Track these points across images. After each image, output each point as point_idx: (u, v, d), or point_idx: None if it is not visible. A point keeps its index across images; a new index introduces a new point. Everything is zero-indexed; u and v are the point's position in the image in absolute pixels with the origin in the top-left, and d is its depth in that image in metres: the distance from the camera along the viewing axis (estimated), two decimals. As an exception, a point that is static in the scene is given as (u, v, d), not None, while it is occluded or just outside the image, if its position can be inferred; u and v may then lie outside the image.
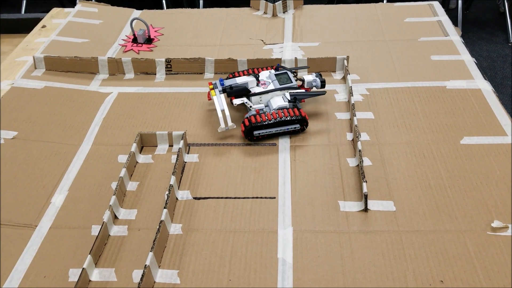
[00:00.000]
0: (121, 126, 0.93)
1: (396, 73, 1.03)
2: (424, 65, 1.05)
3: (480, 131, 0.85)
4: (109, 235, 0.71)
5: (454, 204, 0.72)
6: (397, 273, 0.63)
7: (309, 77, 0.91)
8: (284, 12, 1.30)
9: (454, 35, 1.15)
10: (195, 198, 0.77)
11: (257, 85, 0.90)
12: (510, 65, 2.34)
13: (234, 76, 0.96)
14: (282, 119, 0.84)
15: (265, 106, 0.89)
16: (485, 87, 0.96)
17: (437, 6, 1.28)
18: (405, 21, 1.22)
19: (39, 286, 0.64)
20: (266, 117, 0.85)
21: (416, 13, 1.25)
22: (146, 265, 0.62)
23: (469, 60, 1.05)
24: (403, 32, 1.18)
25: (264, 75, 0.93)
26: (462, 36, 1.17)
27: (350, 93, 0.93)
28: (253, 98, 0.89)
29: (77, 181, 0.81)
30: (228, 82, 0.89)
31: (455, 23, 1.18)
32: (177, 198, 0.77)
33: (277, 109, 0.86)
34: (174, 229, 0.72)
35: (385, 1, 2.22)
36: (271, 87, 0.89)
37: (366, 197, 0.72)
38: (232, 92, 0.89)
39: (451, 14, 2.09)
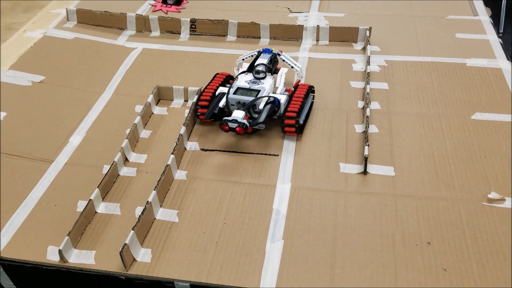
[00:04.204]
0: (142, 80, 0.97)
1: (418, 47, 1.02)
2: (447, 42, 1.04)
3: (493, 108, 0.84)
4: (118, 174, 0.75)
5: (454, 174, 0.72)
6: (386, 232, 0.64)
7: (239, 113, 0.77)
8: (313, -17, 1.30)
9: (483, 15, 1.12)
10: (202, 149, 0.80)
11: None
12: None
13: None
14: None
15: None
16: (506, 67, 0.94)
17: (471, -15, 1.25)
18: (435, -2, 1.20)
19: (49, 213, 0.69)
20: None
21: (448, -9, 1.23)
22: (148, 201, 0.66)
23: (494, 40, 1.03)
24: (431, 9, 1.16)
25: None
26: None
27: (367, 63, 0.94)
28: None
29: (95, 125, 0.86)
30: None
31: (496, 23, 1.13)
32: (185, 148, 0.80)
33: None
34: (179, 175, 0.75)
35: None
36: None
37: (366, 159, 0.73)
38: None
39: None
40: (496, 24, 1.10)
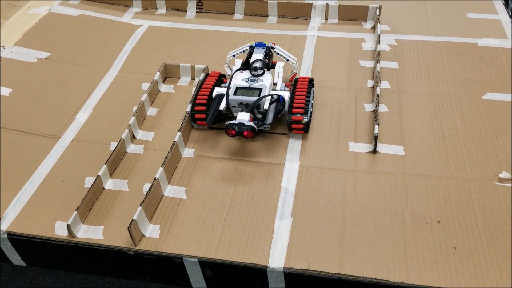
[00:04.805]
0: (148, 57, 0.96)
1: (429, 27, 1.01)
2: (458, 21, 1.02)
3: (505, 88, 0.83)
4: (125, 151, 0.75)
5: (465, 154, 0.72)
6: (395, 211, 0.64)
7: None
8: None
9: (496, -6, 1.10)
10: (210, 128, 0.79)
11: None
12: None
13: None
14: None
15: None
16: (519, 47, 0.93)
17: (483, -36, 1.23)
18: (446, -23, 1.18)
19: (57, 188, 0.69)
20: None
21: (460, -30, 1.20)
22: (155, 178, 0.66)
23: (506, 20, 1.01)
24: (442, -12, 1.14)
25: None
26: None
27: (378, 42, 0.92)
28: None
29: (102, 102, 0.85)
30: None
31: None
32: (192, 126, 0.80)
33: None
34: (187, 152, 0.75)
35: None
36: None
37: (376, 138, 0.72)
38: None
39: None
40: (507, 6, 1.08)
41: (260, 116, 0.74)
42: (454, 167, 0.70)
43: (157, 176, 0.66)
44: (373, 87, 0.85)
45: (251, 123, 0.70)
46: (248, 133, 0.69)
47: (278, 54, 0.84)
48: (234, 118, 0.72)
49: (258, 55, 0.82)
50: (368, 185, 0.68)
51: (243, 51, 0.85)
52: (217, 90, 0.79)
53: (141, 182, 0.70)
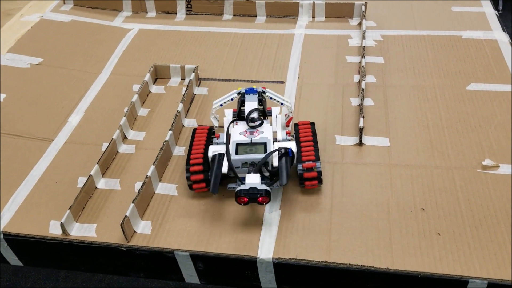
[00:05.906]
0: (139, 59, 0.97)
1: (414, 21, 1.02)
2: (443, 15, 1.04)
3: (489, 78, 0.85)
4: (117, 151, 0.77)
5: (449, 143, 0.73)
6: (381, 200, 0.65)
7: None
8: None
9: (480, -13, 1.12)
10: (200, 125, 0.81)
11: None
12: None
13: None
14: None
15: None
16: (502, 38, 0.94)
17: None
18: (431, -28, 1.20)
19: (51, 189, 0.71)
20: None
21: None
22: (147, 175, 0.67)
23: (490, 13, 1.03)
24: (427, -17, 1.16)
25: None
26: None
27: (363, 37, 0.94)
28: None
29: (94, 105, 0.87)
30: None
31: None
32: (183, 125, 0.81)
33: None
34: (178, 151, 0.76)
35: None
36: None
37: (361, 131, 0.74)
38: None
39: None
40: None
41: (267, 174, 0.65)
42: (438, 156, 0.71)
43: (149, 174, 0.68)
44: (359, 81, 0.87)
45: (264, 186, 0.61)
46: (263, 199, 0.60)
47: (270, 98, 0.74)
48: (238, 178, 0.64)
49: (251, 103, 0.71)
50: (355, 176, 0.69)
51: (231, 99, 0.74)
52: (213, 150, 0.67)
53: (133, 180, 0.72)
